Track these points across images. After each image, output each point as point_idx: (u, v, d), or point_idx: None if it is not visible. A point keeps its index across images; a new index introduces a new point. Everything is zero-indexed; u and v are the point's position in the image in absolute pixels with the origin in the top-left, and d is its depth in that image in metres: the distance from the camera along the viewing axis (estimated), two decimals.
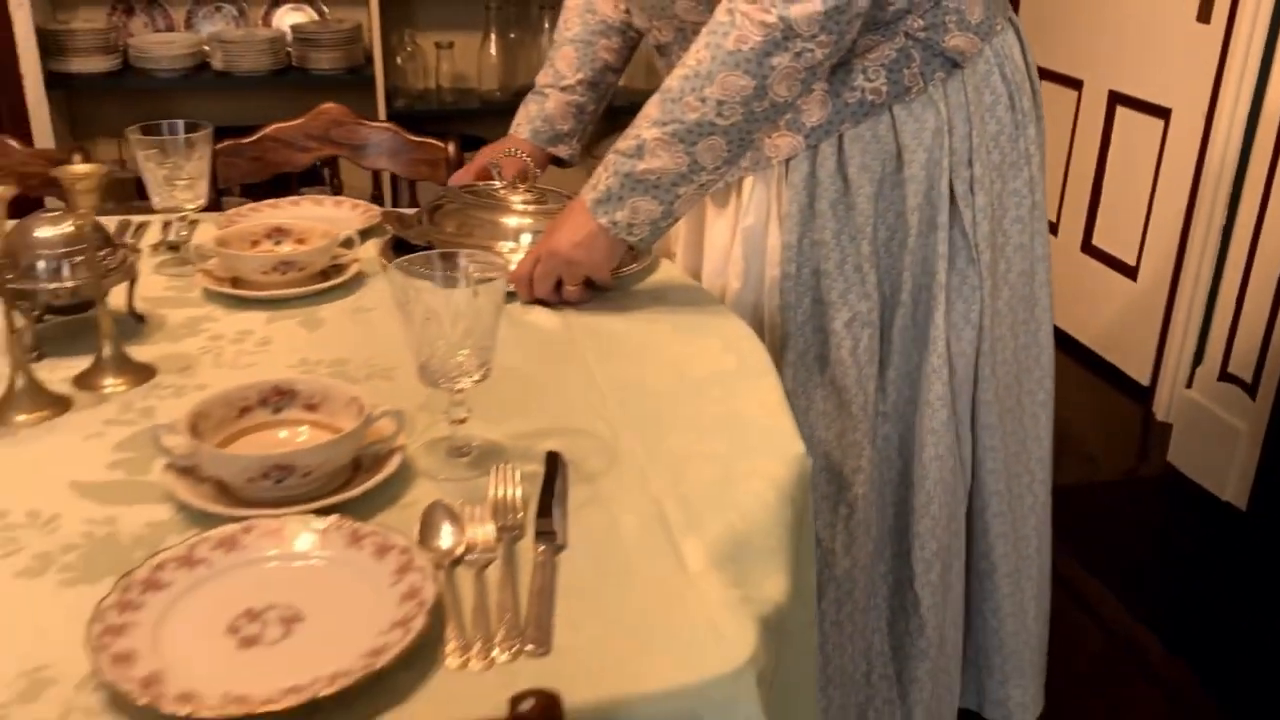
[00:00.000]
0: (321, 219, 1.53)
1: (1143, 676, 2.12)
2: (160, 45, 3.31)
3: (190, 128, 1.40)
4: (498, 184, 1.45)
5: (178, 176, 1.39)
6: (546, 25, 3.53)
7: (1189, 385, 2.86)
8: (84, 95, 3.21)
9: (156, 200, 1.42)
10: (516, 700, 0.62)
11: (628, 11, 1.55)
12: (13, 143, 1.75)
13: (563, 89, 1.58)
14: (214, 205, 1.69)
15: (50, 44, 3.02)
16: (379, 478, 0.92)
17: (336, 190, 1.81)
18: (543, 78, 1.61)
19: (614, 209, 1.25)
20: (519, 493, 0.92)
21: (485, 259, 0.98)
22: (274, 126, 1.82)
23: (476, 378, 0.97)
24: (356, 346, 1.22)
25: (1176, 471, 2.81)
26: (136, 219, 1.58)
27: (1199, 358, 2.87)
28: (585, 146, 1.65)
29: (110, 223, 1.49)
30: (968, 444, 1.44)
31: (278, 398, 1.00)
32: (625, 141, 1.25)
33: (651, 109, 1.24)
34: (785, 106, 1.22)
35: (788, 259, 1.35)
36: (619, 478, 0.98)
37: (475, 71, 3.58)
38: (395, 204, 2.42)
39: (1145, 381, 3.14)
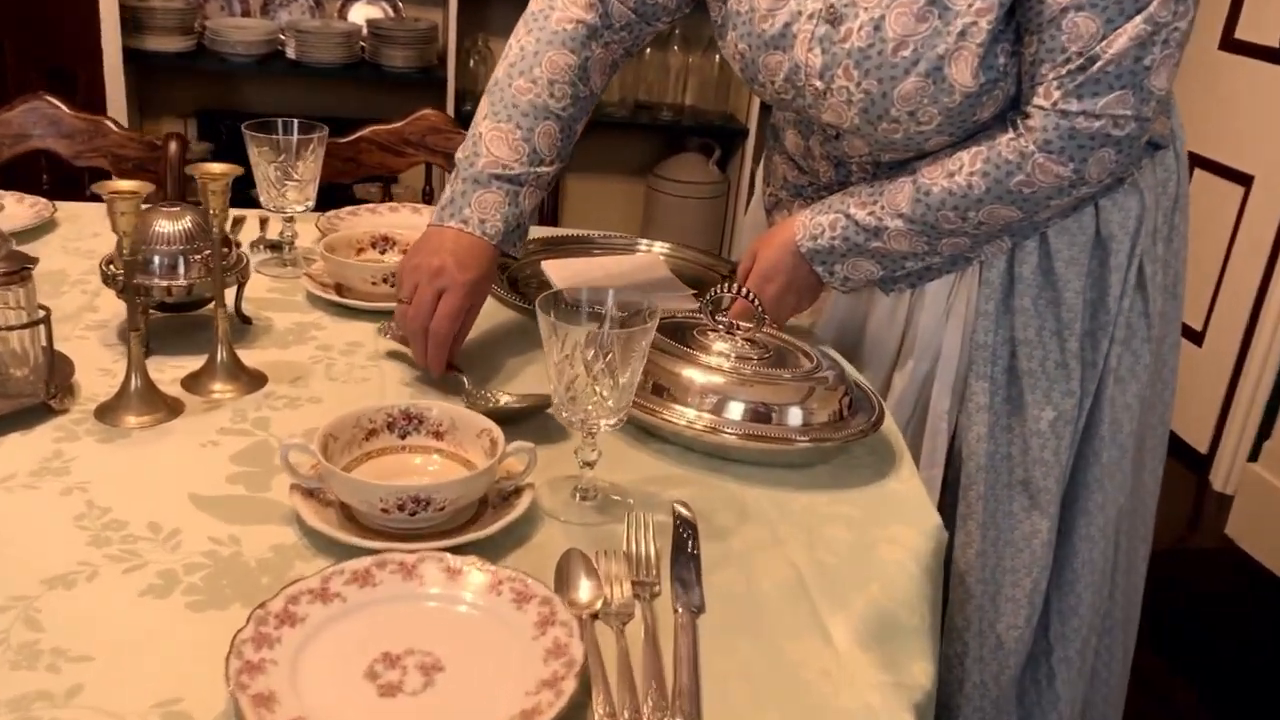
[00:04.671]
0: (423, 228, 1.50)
1: None
2: (236, 29, 3.30)
3: (305, 128, 1.37)
4: (709, 324, 1.15)
5: (289, 177, 1.36)
6: None
7: (1253, 458, 2.81)
8: (157, 73, 3.21)
9: (265, 199, 1.39)
10: None
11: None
12: (109, 123, 1.73)
13: (535, 180, 1.21)
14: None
15: (129, 20, 3.01)
16: (511, 517, 0.89)
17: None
18: (507, 153, 1.19)
19: (834, 263, 1.24)
20: (654, 550, 0.89)
21: (633, 301, 0.95)
22: (372, 129, 1.79)
23: (614, 421, 0.93)
24: (468, 366, 1.18)
25: (1234, 545, 2.76)
26: (232, 213, 1.56)
27: (1265, 430, 2.82)
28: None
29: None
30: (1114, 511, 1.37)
31: (405, 422, 0.97)
32: (862, 213, 1.20)
33: (900, 200, 1.18)
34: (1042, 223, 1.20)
35: (983, 359, 1.27)
36: (751, 536, 0.94)
37: None
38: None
39: (1204, 449, 3.09)
